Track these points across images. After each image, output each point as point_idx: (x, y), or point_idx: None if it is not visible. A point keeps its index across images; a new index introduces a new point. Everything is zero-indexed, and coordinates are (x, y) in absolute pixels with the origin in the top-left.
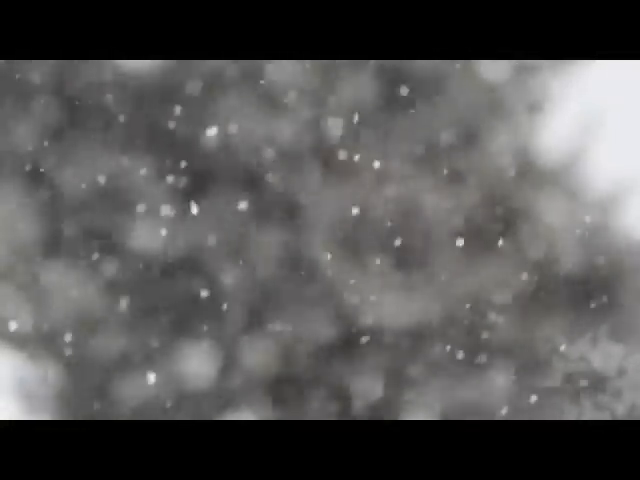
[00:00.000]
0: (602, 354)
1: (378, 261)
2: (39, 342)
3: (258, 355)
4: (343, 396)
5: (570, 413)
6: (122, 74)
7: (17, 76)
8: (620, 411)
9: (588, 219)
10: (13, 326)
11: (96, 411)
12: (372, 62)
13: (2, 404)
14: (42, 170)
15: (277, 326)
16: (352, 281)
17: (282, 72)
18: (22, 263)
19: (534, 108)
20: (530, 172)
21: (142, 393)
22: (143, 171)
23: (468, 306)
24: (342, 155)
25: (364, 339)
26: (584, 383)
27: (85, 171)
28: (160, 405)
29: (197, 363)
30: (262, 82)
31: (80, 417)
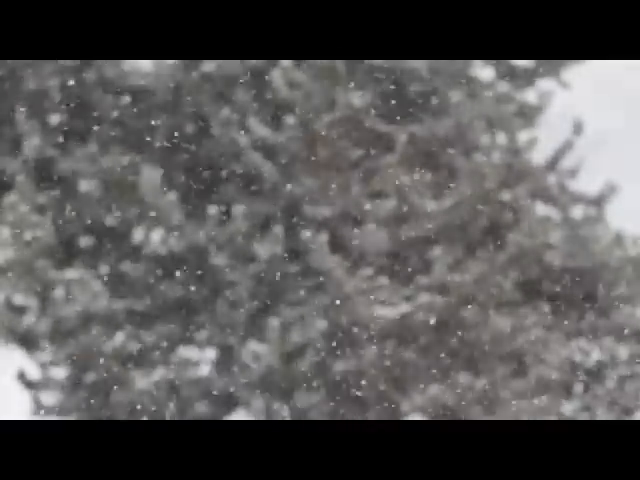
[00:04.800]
0: (591, 347)
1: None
2: (49, 340)
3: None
4: None
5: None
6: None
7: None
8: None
9: (577, 215)
10: (24, 324)
11: (97, 408)
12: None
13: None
14: (55, 172)
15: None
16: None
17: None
18: (34, 263)
19: (527, 108)
20: (520, 170)
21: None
22: (151, 173)
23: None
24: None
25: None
26: (576, 375)
27: (94, 172)
28: (161, 403)
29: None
30: None
31: (83, 415)
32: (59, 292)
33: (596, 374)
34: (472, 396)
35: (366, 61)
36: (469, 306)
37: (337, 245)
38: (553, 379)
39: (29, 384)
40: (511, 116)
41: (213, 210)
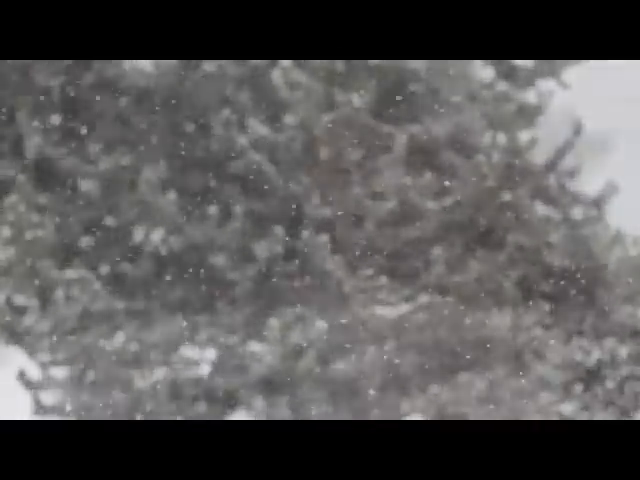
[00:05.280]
0: (591, 346)
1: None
2: (49, 340)
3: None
4: None
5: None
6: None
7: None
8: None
9: (577, 215)
10: (25, 324)
11: (98, 408)
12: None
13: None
14: (55, 172)
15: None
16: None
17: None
18: (35, 263)
19: (527, 108)
20: (520, 170)
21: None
22: (150, 171)
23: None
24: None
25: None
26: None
27: (94, 172)
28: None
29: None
30: None
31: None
32: (59, 292)
33: (596, 374)
34: (472, 396)
35: (366, 61)
36: (469, 306)
37: (337, 245)
38: (553, 379)
39: (29, 384)
40: (511, 116)
41: (213, 210)
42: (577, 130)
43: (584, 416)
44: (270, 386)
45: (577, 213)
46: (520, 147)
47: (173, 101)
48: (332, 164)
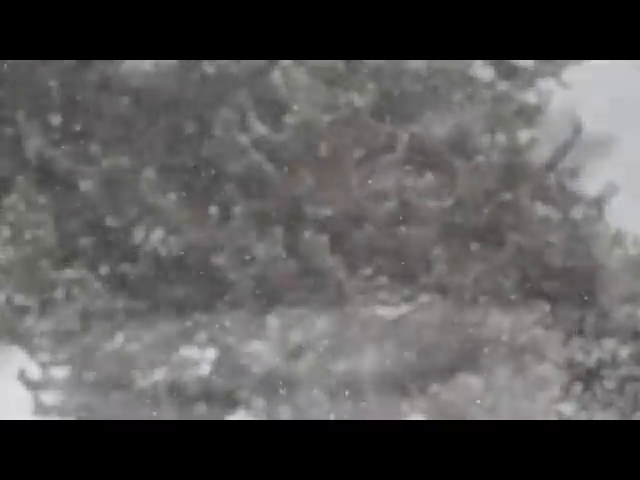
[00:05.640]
0: (591, 346)
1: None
2: (49, 340)
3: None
4: None
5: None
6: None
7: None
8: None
9: (577, 215)
10: (25, 324)
11: (98, 407)
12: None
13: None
14: (55, 172)
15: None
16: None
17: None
18: (34, 263)
19: (527, 108)
20: (520, 170)
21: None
22: (150, 171)
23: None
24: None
25: None
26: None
27: (94, 172)
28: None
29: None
30: None
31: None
32: (59, 292)
33: (595, 374)
34: (472, 396)
35: (366, 61)
36: (469, 306)
37: (337, 245)
38: (553, 379)
39: (29, 384)
40: (511, 116)
41: (213, 210)
42: (577, 130)
43: (583, 416)
44: (270, 386)
45: (577, 213)
46: (520, 147)
47: (173, 101)
48: (332, 164)
